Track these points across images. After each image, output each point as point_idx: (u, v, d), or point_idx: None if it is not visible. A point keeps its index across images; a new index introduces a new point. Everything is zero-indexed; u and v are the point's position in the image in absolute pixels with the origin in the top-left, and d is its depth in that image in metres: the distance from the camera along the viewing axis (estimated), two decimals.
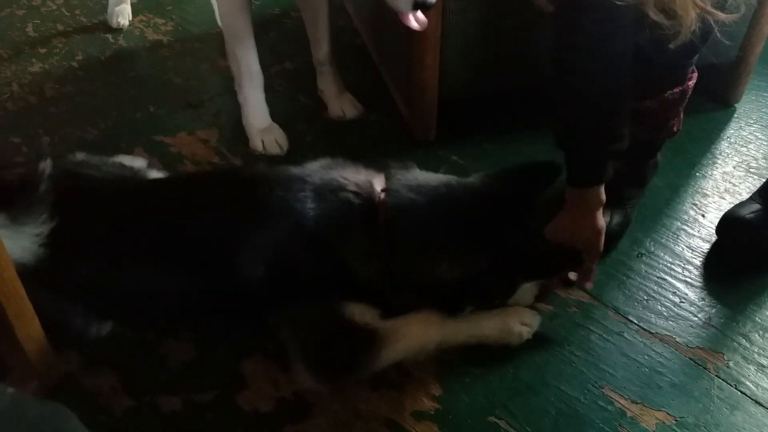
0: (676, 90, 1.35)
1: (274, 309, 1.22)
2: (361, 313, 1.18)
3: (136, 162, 1.59)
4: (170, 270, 1.21)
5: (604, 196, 1.25)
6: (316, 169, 1.26)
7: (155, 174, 1.43)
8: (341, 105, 1.83)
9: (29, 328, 1.14)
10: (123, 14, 2.20)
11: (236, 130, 1.76)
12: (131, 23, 2.22)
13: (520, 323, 1.25)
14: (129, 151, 1.71)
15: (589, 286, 1.35)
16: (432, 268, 1.19)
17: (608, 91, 1.17)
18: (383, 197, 1.21)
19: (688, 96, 1.38)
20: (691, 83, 1.37)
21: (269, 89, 1.78)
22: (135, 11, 2.25)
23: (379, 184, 1.24)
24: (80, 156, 1.44)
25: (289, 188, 1.21)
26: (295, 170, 1.27)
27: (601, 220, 1.27)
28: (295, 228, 1.18)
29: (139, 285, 1.22)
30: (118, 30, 2.19)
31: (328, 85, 1.82)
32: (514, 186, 1.26)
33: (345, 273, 1.19)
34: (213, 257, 1.20)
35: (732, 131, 1.78)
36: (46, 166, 1.25)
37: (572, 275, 1.38)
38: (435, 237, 1.20)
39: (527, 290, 1.30)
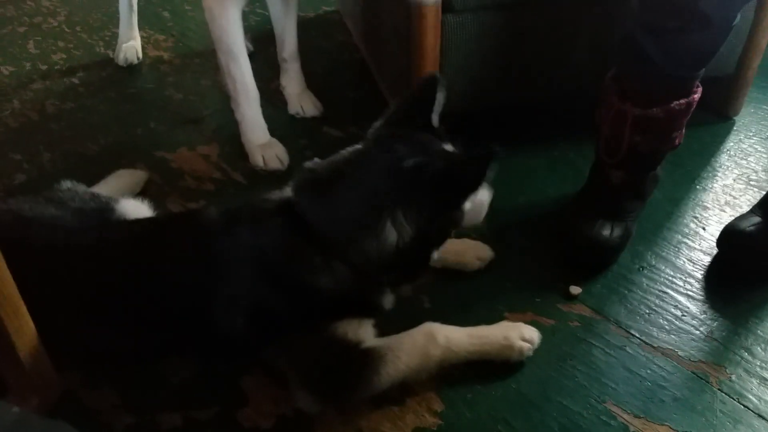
0: (682, 101, 1.37)
1: (264, 346, 1.22)
2: (353, 329, 1.16)
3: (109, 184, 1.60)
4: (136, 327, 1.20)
5: None
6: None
7: (125, 203, 1.39)
8: (301, 102, 1.88)
9: (30, 345, 1.14)
10: (131, 52, 2.16)
11: (237, 146, 1.77)
12: None
13: (521, 339, 1.25)
14: (130, 168, 1.71)
15: None
16: (382, 244, 1.13)
17: None
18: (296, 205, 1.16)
19: (692, 109, 1.39)
20: (696, 96, 1.39)
21: (269, 104, 1.79)
22: None
23: (277, 196, 1.21)
24: (66, 184, 1.41)
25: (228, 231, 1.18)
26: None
27: None
28: (246, 270, 1.15)
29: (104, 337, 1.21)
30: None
31: (290, 82, 1.88)
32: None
33: (314, 293, 1.15)
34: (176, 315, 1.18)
35: (732, 144, 1.79)
36: None
37: (574, 289, 1.39)
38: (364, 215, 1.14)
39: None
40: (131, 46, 2.16)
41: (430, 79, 1.21)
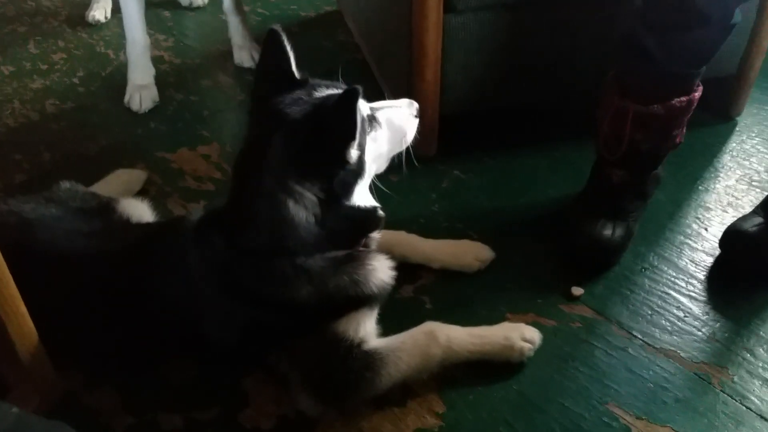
0: (683, 99, 1.37)
1: (263, 353, 1.22)
2: (353, 327, 1.15)
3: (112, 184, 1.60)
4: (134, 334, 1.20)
5: None
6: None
7: (126, 203, 1.39)
8: (241, 55, 2.09)
9: (30, 346, 1.14)
10: (100, 12, 2.37)
11: (237, 146, 1.75)
12: None
13: (522, 339, 1.24)
14: (130, 168, 1.71)
15: None
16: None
17: None
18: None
19: (693, 107, 1.39)
20: (697, 95, 1.39)
21: None
22: None
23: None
24: (65, 184, 1.41)
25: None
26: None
27: None
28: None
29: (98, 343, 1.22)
30: (119, 46, 2.20)
31: (234, 34, 2.09)
32: None
33: (300, 302, 1.13)
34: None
35: (734, 145, 1.78)
36: None
37: (576, 290, 1.38)
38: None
39: None
40: (101, 5, 2.38)
41: (271, 34, 1.14)
